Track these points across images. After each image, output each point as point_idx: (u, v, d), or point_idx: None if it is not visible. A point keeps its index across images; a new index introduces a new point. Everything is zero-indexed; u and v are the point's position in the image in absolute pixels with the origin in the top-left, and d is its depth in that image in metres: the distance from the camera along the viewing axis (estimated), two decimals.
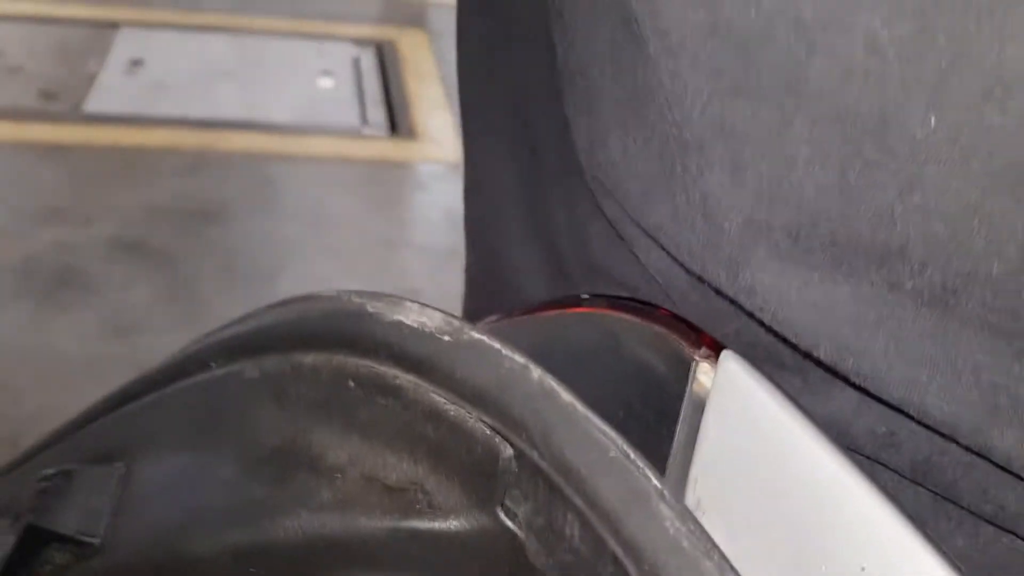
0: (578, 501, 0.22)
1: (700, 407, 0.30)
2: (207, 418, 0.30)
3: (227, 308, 2.15)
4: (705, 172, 0.28)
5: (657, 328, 0.35)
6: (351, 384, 0.28)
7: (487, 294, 0.50)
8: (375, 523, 0.26)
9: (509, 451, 0.25)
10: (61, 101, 2.95)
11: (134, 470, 0.31)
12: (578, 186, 0.36)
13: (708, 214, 0.29)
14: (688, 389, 0.30)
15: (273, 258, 2.38)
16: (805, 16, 0.24)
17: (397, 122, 3.28)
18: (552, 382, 0.25)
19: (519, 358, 0.25)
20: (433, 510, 0.26)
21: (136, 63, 3.29)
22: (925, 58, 0.23)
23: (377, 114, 3.32)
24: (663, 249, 0.32)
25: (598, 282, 0.36)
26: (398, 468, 0.27)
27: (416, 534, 0.26)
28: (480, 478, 0.25)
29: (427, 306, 0.27)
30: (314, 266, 2.38)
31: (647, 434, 0.32)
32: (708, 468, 0.30)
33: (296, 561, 0.26)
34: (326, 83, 3.47)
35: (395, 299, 0.28)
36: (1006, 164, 0.22)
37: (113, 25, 3.50)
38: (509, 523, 0.25)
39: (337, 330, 0.28)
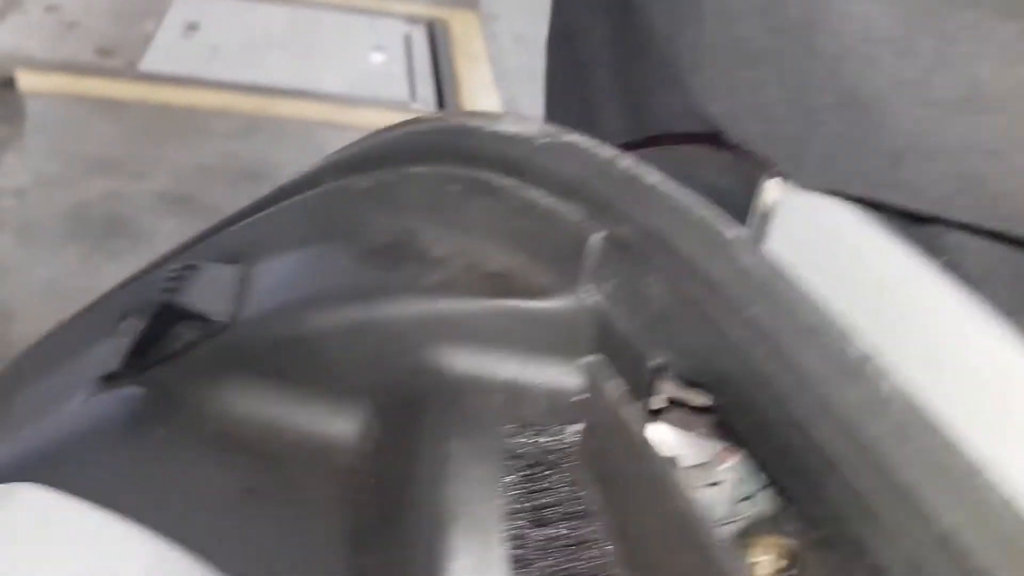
0: (662, 259, 0.25)
1: (766, 218, 0.32)
2: (321, 223, 0.34)
3: None
4: None
5: (728, 155, 0.38)
6: (455, 188, 0.31)
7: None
8: (477, 303, 0.29)
9: (598, 234, 0.28)
10: (117, 58, 3.02)
11: (253, 270, 0.34)
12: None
13: None
14: (757, 203, 0.33)
15: None
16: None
17: (445, 100, 3.31)
18: (640, 167, 0.28)
19: (608, 151, 0.28)
20: (528, 291, 0.29)
21: (192, 27, 3.35)
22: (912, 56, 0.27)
23: (426, 91, 3.36)
24: None
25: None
26: (496, 257, 0.30)
27: (514, 311, 0.29)
28: (568, 261, 0.28)
29: (524, 117, 0.31)
30: None
31: None
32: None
33: (404, 335, 0.29)
34: (377, 58, 3.51)
35: (494, 113, 0.31)
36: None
37: None
38: (594, 298, 0.28)
39: (443, 143, 0.32)
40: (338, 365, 0.30)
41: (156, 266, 0.38)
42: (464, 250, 0.30)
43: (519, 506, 0.27)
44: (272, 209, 0.35)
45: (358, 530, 0.28)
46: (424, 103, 3.27)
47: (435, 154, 0.30)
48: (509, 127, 0.29)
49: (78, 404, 0.32)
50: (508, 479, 0.28)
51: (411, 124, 0.32)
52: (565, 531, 0.26)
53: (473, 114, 0.30)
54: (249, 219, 0.35)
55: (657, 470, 0.21)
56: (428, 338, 0.29)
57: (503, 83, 3.49)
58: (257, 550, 0.27)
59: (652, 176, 0.26)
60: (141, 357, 0.32)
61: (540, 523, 0.27)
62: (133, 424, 0.30)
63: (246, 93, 2.98)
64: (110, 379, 0.32)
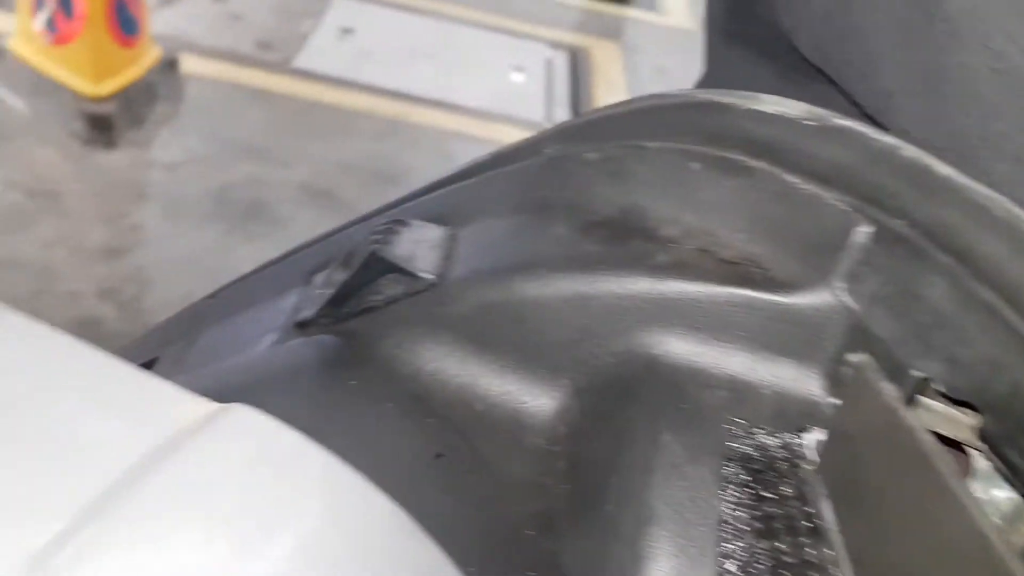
0: (948, 259, 0.23)
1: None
2: (541, 190, 0.32)
3: None
4: None
5: None
6: (695, 166, 0.29)
7: None
8: (710, 289, 0.27)
9: (868, 227, 0.25)
10: (274, 52, 3.15)
11: (462, 231, 0.33)
12: None
13: None
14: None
15: None
16: None
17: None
18: (927, 157, 0.25)
19: (889, 138, 0.26)
20: (771, 284, 0.27)
21: (346, 31, 3.47)
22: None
23: (562, 115, 3.38)
24: None
25: None
26: (735, 243, 0.28)
27: (751, 303, 0.27)
28: (823, 254, 0.26)
29: (786, 99, 0.28)
30: None
31: None
32: None
33: (622, 314, 0.28)
34: (518, 78, 3.55)
35: (749, 93, 0.29)
36: None
37: None
38: (849, 296, 0.26)
39: (688, 119, 0.30)
40: (544, 338, 0.28)
41: (354, 223, 0.37)
42: (699, 232, 0.28)
43: (739, 513, 0.25)
44: (486, 175, 0.33)
45: (548, 513, 0.26)
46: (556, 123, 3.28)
47: (677, 129, 0.28)
48: (769, 107, 0.26)
49: (270, 345, 0.31)
50: (728, 482, 0.25)
51: (652, 98, 0.30)
52: (790, 547, 0.24)
53: (722, 91, 0.28)
54: (460, 183, 0.34)
55: (955, 488, 0.18)
56: (648, 321, 0.27)
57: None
58: (442, 518, 0.26)
59: (942, 167, 0.24)
60: (340, 306, 0.31)
61: (762, 534, 0.24)
62: (325, 371, 0.29)
63: (390, 98, 3.05)
64: (305, 325, 0.31)
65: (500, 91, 3.37)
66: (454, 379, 0.29)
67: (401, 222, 0.32)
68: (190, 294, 1.64)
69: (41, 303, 1.85)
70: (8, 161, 2.24)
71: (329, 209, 2.38)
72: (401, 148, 2.77)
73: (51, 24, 2.35)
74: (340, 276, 0.33)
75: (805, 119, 0.27)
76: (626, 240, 0.29)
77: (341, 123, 2.81)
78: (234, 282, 0.40)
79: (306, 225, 2.28)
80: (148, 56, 2.56)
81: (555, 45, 3.92)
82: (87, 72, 2.34)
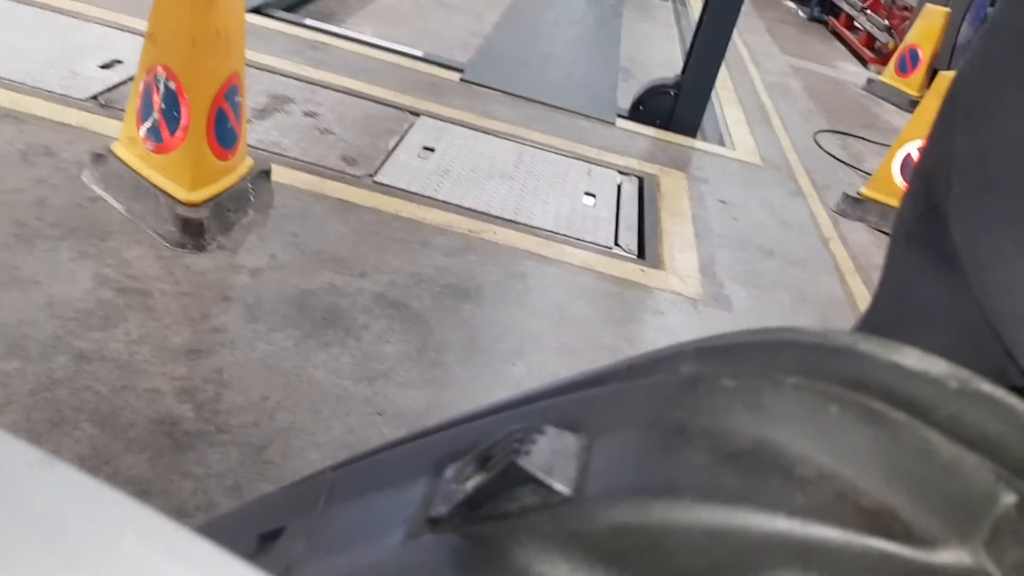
0: None
1: None
2: (676, 410, 0.34)
3: (466, 378, 2.26)
4: None
5: None
6: (832, 409, 0.31)
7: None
8: (848, 536, 0.28)
9: (1012, 498, 0.26)
10: (359, 167, 3.29)
11: (596, 443, 0.35)
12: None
13: None
14: None
15: (514, 344, 2.48)
16: None
17: (646, 250, 3.36)
18: None
19: None
20: (910, 539, 0.28)
21: (428, 149, 3.62)
22: None
23: (629, 238, 3.43)
24: None
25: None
26: (871, 492, 0.29)
27: (890, 556, 0.28)
28: (967, 518, 0.27)
29: (927, 354, 0.30)
30: (549, 360, 2.45)
31: None
32: None
33: (758, 551, 0.29)
34: (588, 201, 3.64)
35: (891, 343, 0.31)
36: None
37: (415, 113, 3.88)
38: (993, 565, 0.26)
39: (827, 362, 0.31)
40: (678, 566, 0.29)
41: (485, 414, 0.40)
42: (835, 476, 0.29)
43: None
44: (620, 385, 0.35)
45: None
46: (626, 249, 3.32)
47: (816, 369, 0.30)
48: (911, 361, 0.28)
49: (402, 541, 0.33)
50: None
51: (791, 332, 0.32)
52: None
53: (864, 337, 0.29)
54: (591, 389, 0.36)
55: None
56: (785, 563, 0.28)
57: (703, 242, 3.51)
58: None
59: None
60: (474, 509, 0.32)
61: None
62: (452, 574, 0.31)
63: (466, 215, 3.15)
64: (438, 523, 0.33)
65: (572, 213, 3.46)
66: None
67: (538, 429, 0.34)
68: (265, 398, 1.69)
69: (122, 399, 1.91)
70: (102, 258, 2.35)
71: (401, 320, 2.43)
72: (474, 264, 2.83)
73: (155, 132, 2.50)
74: (474, 475, 0.35)
75: (948, 380, 0.28)
76: (763, 476, 0.30)
77: (418, 237, 2.90)
78: (361, 456, 0.42)
79: (377, 335, 2.33)
80: (242, 166, 2.69)
81: (625, 171, 4.02)
82: (184, 180, 2.47)
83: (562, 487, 0.33)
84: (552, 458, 0.34)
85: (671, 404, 0.35)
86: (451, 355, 2.34)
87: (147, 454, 1.77)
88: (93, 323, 2.12)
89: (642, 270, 3.19)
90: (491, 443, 0.37)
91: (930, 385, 0.29)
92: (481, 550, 0.33)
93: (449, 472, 0.38)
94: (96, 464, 1.72)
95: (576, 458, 0.34)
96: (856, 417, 0.30)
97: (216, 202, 2.55)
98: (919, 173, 0.44)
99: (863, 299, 3.48)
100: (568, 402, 0.39)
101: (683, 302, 3.04)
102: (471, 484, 0.35)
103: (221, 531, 0.46)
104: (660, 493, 0.32)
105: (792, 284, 3.42)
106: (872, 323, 0.48)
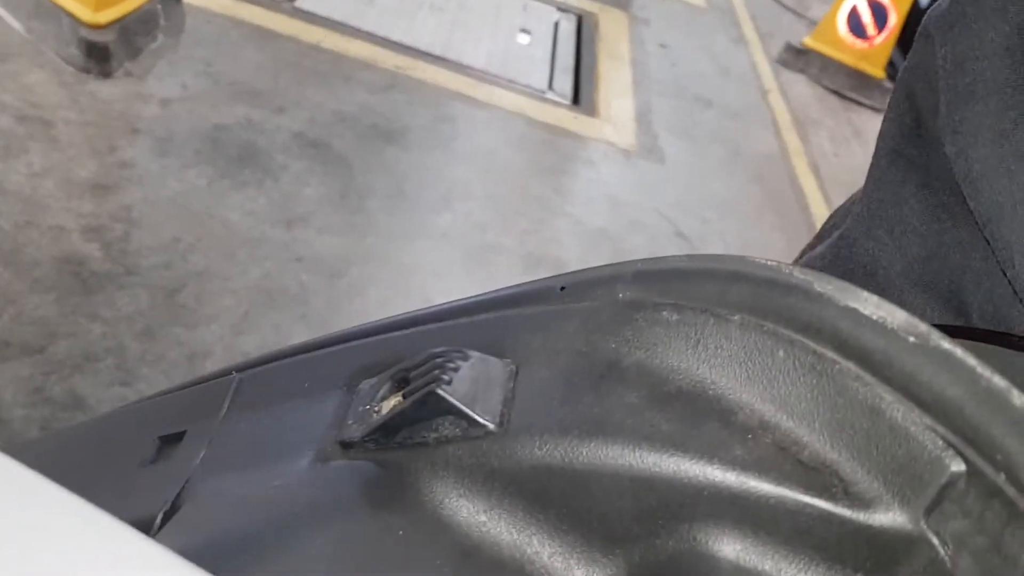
0: None
1: None
2: (611, 340, 0.31)
3: (389, 226, 2.22)
4: None
5: None
6: (780, 354, 0.28)
7: None
8: (784, 493, 0.26)
9: (961, 467, 0.25)
10: None
11: (523, 371, 0.32)
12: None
13: None
14: None
15: (440, 191, 2.42)
16: None
17: (581, 95, 3.28)
18: None
19: (999, 379, 0.25)
20: (849, 498, 0.26)
21: None
22: None
23: (564, 82, 3.33)
24: None
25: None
26: (813, 446, 0.28)
27: (826, 517, 0.26)
28: (911, 482, 0.25)
29: (886, 302, 0.27)
30: (476, 209, 2.42)
31: None
32: None
33: (689, 503, 0.27)
34: (523, 39, 3.50)
35: (848, 286, 0.28)
36: None
37: None
38: (933, 534, 0.25)
39: (778, 300, 0.29)
40: (604, 509, 0.27)
41: (402, 326, 0.36)
42: (777, 427, 0.27)
43: None
44: (549, 308, 0.32)
45: None
46: (559, 95, 3.24)
47: (766, 307, 0.27)
48: (868, 309, 0.25)
49: (310, 463, 0.31)
50: None
51: (743, 263, 0.29)
52: None
53: (821, 276, 0.27)
54: (521, 308, 0.33)
55: None
56: (716, 515, 0.26)
57: (640, 89, 3.45)
58: None
59: None
60: (389, 435, 0.30)
61: None
62: (371, 509, 0.28)
63: (392, 50, 2.99)
64: (350, 446, 0.31)
65: (505, 52, 3.32)
66: (506, 536, 0.28)
67: (462, 353, 0.31)
68: (177, 240, 1.63)
69: (25, 236, 1.81)
70: (1, 83, 2.17)
71: (322, 161, 2.34)
72: (400, 104, 2.72)
73: None
74: (390, 395, 0.32)
75: (906, 333, 0.26)
76: (701, 422, 0.28)
77: (341, 71, 2.75)
78: (269, 359, 0.39)
79: (295, 176, 2.24)
80: None
81: (564, 8, 3.86)
82: (88, 0, 2.27)
83: (485, 420, 0.30)
84: (475, 387, 0.32)
85: (606, 333, 0.32)
86: (374, 201, 2.28)
87: (53, 295, 1.70)
88: None
89: (575, 117, 3.12)
90: (411, 363, 0.34)
91: (886, 337, 0.26)
92: (395, 480, 0.30)
93: (364, 388, 0.35)
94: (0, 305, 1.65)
95: (501, 388, 0.32)
96: (805, 366, 0.28)
97: (123, 24, 2.35)
98: (901, 86, 0.41)
99: (797, 154, 3.49)
100: (495, 321, 0.36)
101: (616, 153, 3.00)
102: (388, 409, 0.32)
103: (122, 427, 0.43)
104: (589, 433, 0.29)
105: (728, 137, 3.41)
106: (850, 238, 0.46)
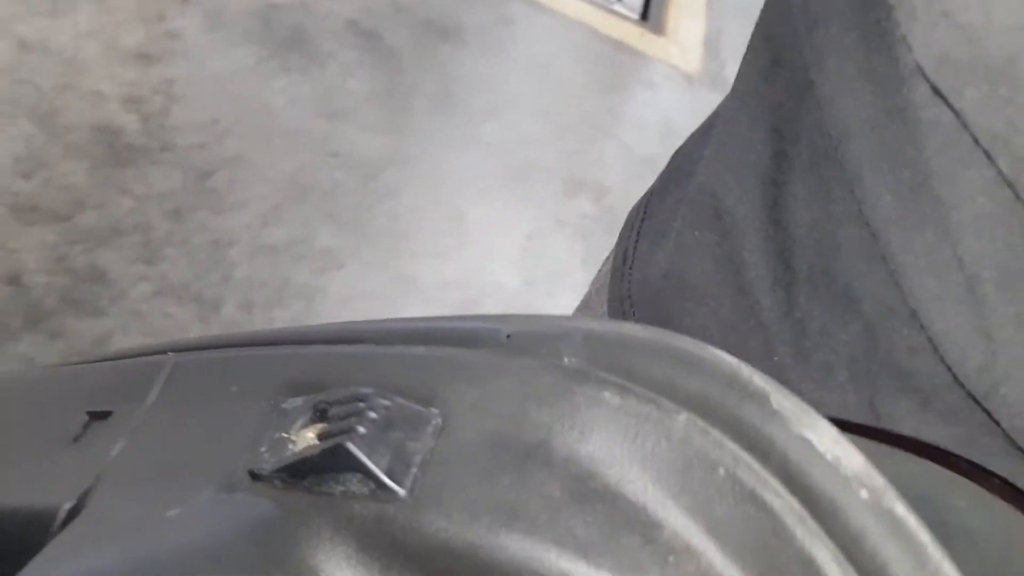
0: None
1: None
2: (543, 414, 0.28)
3: (432, 129, 2.17)
4: None
5: (994, 496, 0.32)
6: (721, 472, 0.25)
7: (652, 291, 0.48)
8: None
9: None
10: None
11: (448, 429, 0.30)
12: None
13: None
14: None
15: (489, 99, 2.36)
16: None
17: (650, 11, 3.14)
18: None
19: (950, 567, 0.22)
20: None
21: None
22: None
23: None
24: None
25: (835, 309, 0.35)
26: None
27: None
28: None
29: (844, 437, 0.24)
30: (523, 122, 2.35)
31: None
32: None
33: None
34: None
35: (808, 409, 0.25)
36: None
37: None
38: None
39: (730, 405, 0.25)
40: None
41: (346, 338, 0.34)
42: (701, 556, 0.24)
43: None
44: (492, 356, 0.29)
45: None
46: (628, 8, 3.10)
47: (715, 413, 0.25)
48: (824, 443, 0.23)
49: (214, 491, 0.29)
50: None
51: (701, 351, 0.26)
52: None
53: (780, 390, 0.24)
54: (465, 348, 0.30)
55: None
56: None
57: (714, 11, 3.29)
58: None
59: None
60: (297, 476, 0.28)
61: None
62: (257, 556, 0.26)
63: None
64: (257, 479, 0.28)
65: None
66: None
67: (388, 399, 0.29)
68: (216, 120, 1.61)
69: (63, 99, 1.80)
70: None
71: (372, 53, 2.28)
72: (459, 1, 2.62)
73: None
74: (308, 427, 0.30)
75: (859, 484, 0.23)
76: (622, 533, 0.25)
77: None
78: (207, 345, 0.37)
79: (343, 66, 2.19)
80: None
81: None
82: None
83: (394, 486, 0.28)
84: (393, 442, 0.29)
85: (541, 404, 0.29)
86: (420, 102, 2.22)
87: (86, 163, 1.70)
88: (40, 7, 1.95)
89: (641, 34, 2.99)
90: (334, 396, 0.31)
91: (836, 484, 0.23)
92: (293, 532, 0.29)
93: (286, 408, 0.33)
94: (31, 167, 1.65)
95: (421, 446, 0.29)
96: (744, 492, 0.25)
97: None
98: (760, 27, 0.41)
99: None
100: (434, 360, 0.33)
101: (679, 77, 2.89)
102: (302, 443, 0.30)
103: (55, 393, 0.42)
104: (499, 523, 0.27)
105: None
106: (700, 180, 0.45)
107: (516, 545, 0.26)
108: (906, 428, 0.35)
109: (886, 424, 0.35)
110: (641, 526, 0.26)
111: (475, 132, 2.23)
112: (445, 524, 0.27)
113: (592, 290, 0.59)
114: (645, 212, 0.54)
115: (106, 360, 0.44)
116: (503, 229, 2.02)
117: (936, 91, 0.30)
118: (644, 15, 3.12)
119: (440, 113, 2.23)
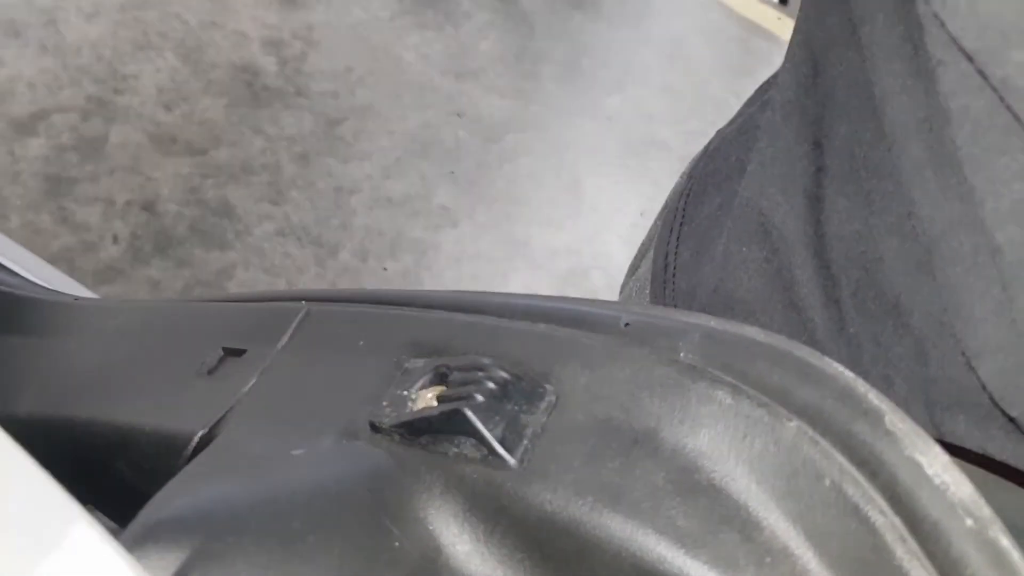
0: None
1: None
2: (654, 405, 0.29)
3: (557, 97, 2.17)
4: None
5: None
6: (827, 483, 0.26)
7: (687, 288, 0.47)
8: None
9: None
10: None
11: (561, 404, 0.31)
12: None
13: None
14: None
15: (617, 72, 2.33)
16: None
17: None
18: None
19: None
20: None
21: None
22: None
23: None
24: None
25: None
26: None
27: None
28: None
29: (954, 466, 0.24)
30: (649, 98, 2.32)
31: None
32: None
33: None
34: None
35: (921, 433, 0.25)
36: None
37: None
38: None
39: (843, 419, 0.26)
40: None
41: (467, 306, 0.35)
42: (798, 559, 0.25)
43: None
44: (609, 341, 0.30)
45: None
46: None
47: (827, 424, 0.25)
48: (934, 468, 0.23)
49: (335, 438, 0.31)
50: None
51: (819, 361, 0.26)
52: None
53: (896, 410, 0.24)
54: (582, 332, 0.31)
55: None
56: None
57: None
58: None
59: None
60: (414, 433, 0.29)
61: None
62: (373, 502, 0.28)
63: None
64: (377, 431, 0.30)
65: None
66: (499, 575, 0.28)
67: (506, 371, 0.30)
68: (349, 69, 1.64)
69: (208, 36, 1.88)
70: None
71: (507, 17, 2.28)
72: None
73: None
74: (428, 387, 0.32)
75: (965, 512, 0.24)
76: (722, 529, 0.26)
77: None
78: (339, 298, 0.39)
79: (478, 29, 2.20)
80: None
81: None
82: None
83: (506, 455, 0.29)
84: (508, 413, 0.30)
85: (654, 396, 0.30)
86: (548, 68, 2.22)
87: (224, 100, 1.77)
88: None
89: (779, 18, 2.90)
90: (456, 362, 0.33)
91: (942, 509, 0.23)
92: (409, 484, 0.30)
93: (409, 367, 0.35)
94: (173, 99, 1.73)
95: (534, 420, 0.30)
96: (848, 505, 0.25)
97: None
98: (799, 33, 0.39)
99: None
100: (554, 339, 0.34)
101: None
102: (422, 402, 0.32)
103: (191, 327, 0.45)
104: (604, 504, 0.28)
105: None
106: (744, 196, 0.44)
107: (617, 526, 0.27)
108: (971, 444, 0.34)
109: (949, 439, 0.34)
110: (741, 524, 0.26)
111: (599, 104, 2.22)
112: (551, 497, 0.28)
113: (632, 289, 0.59)
114: (683, 216, 0.53)
115: (240, 301, 0.46)
116: (617, 203, 2.01)
117: (972, 61, 0.28)
118: (784, 1, 3.02)
119: (566, 81, 2.23)
